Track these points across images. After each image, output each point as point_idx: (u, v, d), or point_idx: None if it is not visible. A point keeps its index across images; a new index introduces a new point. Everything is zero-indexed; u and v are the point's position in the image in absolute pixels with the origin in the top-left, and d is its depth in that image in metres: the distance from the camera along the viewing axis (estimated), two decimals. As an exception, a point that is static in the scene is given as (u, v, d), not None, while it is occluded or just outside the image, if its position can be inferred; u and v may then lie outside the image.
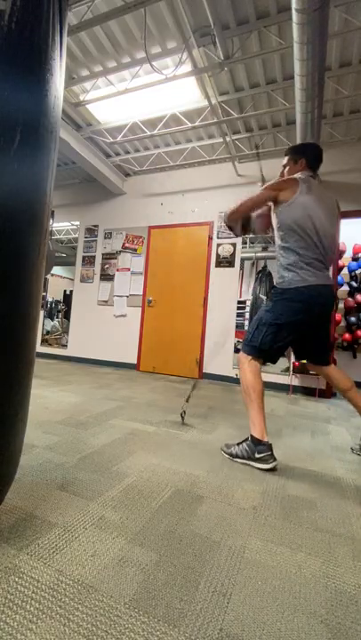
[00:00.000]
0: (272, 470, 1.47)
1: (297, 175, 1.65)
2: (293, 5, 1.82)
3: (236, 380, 3.97)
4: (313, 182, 1.64)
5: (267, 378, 3.92)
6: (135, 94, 3.26)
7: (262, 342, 1.59)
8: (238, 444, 1.60)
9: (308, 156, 1.71)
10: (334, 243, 1.67)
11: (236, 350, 4.17)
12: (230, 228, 1.76)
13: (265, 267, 6.24)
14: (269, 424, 2.25)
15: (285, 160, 1.78)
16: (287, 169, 1.76)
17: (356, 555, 0.94)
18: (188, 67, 2.89)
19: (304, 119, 2.61)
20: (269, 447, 1.51)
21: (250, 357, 1.63)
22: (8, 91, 0.77)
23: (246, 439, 1.59)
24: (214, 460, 1.54)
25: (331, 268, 1.71)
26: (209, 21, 2.47)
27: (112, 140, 4.05)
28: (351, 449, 1.88)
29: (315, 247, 1.59)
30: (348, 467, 1.60)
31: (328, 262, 1.64)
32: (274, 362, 1.68)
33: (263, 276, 6.09)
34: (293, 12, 1.85)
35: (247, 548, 0.93)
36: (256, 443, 1.52)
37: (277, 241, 1.65)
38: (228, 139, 3.76)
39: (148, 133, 3.79)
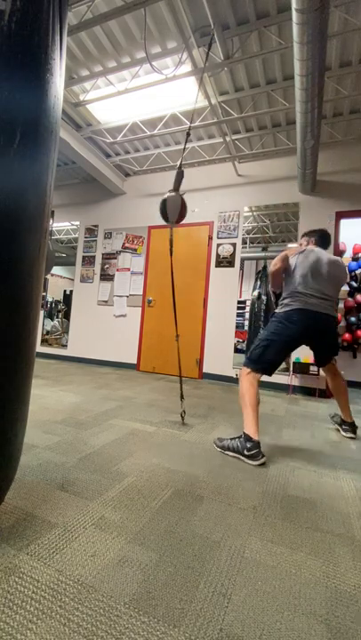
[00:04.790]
0: (261, 466, 1.55)
1: (303, 248, 2.19)
2: (293, 5, 1.82)
3: (236, 380, 3.98)
4: (314, 249, 2.14)
5: (267, 378, 3.92)
6: (135, 94, 3.25)
7: (252, 354, 1.92)
8: (232, 439, 1.71)
9: (318, 235, 2.29)
10: (332, 285, 2.08)
11: (237, 350, 4.17)
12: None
13: (265, 267, 6.24)
14: (270, 424, 2.26)
15: (301, 240, 2.36)
16: (303, 244, 2.31)
17: (357, 555, 0.94)
18: (188, 67, 2.89)
19: (304, 119, 2.60)
20: (257, 445, 1.62)
21: (248, 370, 1.88)
22: (8, 91, 0.77)
23: (240, 436, 1.70)
24: (214, 460, 1.54)
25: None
26: (209, 21, 2.47)
27: (112, 140, 4.05)
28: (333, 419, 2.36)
29: (307, 285, 2.01)
30: (348, 466, 1.60)
31: (325, 296, 2.02)
32: (269, 374, 1.91)
33: (263, 276, 6.09)
34: (293, 11, 1.85)
35: (247, 547, 0.93)
36: (247, 439, 1.65)
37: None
38: (228, 139, 3.76)
39: (148, 133, 3.78)
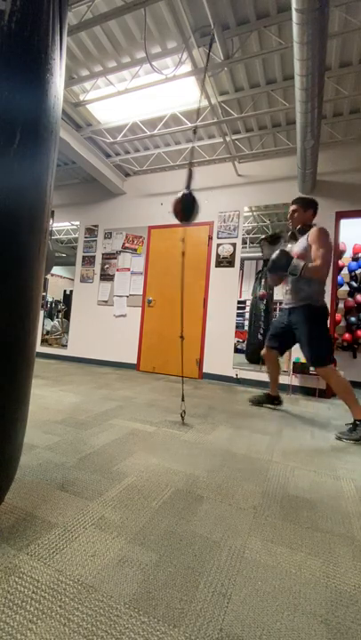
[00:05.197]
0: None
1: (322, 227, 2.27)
2: (293, 5, 1.82)
3: (235, 380, 3.98)
4: None
5: (267, 378, 3.92)
6: (135, 94, 3.26)
7: (327, 352, 2.20)
8: (354, 430, 2.00)
9: (315, 208, 2.38)
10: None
11: (237, 350, 4.17)
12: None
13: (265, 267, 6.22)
14: (270, 424, 2.26)
15: (295, 207, 2.38)
16: (297, 214, 2.38)
17: (357, 555, 0.94)
18: (188, 67, 2.90)
19: (304, 119, 2.60)
20: None
21: (331, 365, 2.15)
22: (8, 91, 0.77)
23: (355, 424, 2.02)
24: (214, 460, 1.54)
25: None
26: (209, 21, 2.47)
27: (112, 140, 4.05)
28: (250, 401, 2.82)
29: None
30: (348, 467, 1.60)
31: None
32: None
33: (263, 276, 6.08)
34: (293, 11, 1.85)
35: (247, 547, 0.93)
36: None
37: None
38: (228, 139, 3.77)
39: (148, 133, 3.79)
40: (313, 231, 2.22)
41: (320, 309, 2.20)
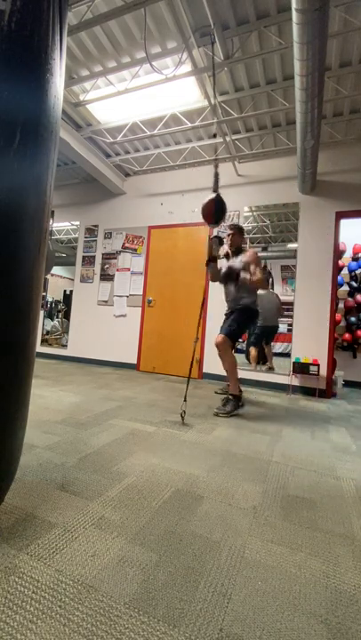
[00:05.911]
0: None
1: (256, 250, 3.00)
2: (293, 5, 1.82)
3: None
4: None
5: (267, 378, 3.93)
6: (135, 94, 3.25)
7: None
8: (227, 404, 2.44)
9: (244, 234, 3.00)
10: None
11: (237, 350, 4.17)
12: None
13: (264, 266, 6.22)
14: (270, 424, 2.26)
15: (232, 232, 2.90)
16: (235, 237, 2.91)
17: (357, 555, 0.94)
18: (188, 67, 2.89)
19: (304, 119, 2.60)
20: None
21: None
22: (8, 91, 0.77)
23: (228, 398, 2.48)
24: (214, 460, 1.54)
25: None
26: (209, 21, 2.47)
27: (112, 140, 4.05)
28: (215, 392, 3.24)
29: None
30: (348, 467, 1.60)
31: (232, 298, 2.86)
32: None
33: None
34: (293, 12, 1.85)
35: (247, 547, 0.93)
36: (237, 398, 2.51)
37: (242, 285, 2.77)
38: (228, 139, 3.76)
39: (148, 133, 3.78)
40: (250, 253, 2.76)
41: (254, 312, 2.78)
